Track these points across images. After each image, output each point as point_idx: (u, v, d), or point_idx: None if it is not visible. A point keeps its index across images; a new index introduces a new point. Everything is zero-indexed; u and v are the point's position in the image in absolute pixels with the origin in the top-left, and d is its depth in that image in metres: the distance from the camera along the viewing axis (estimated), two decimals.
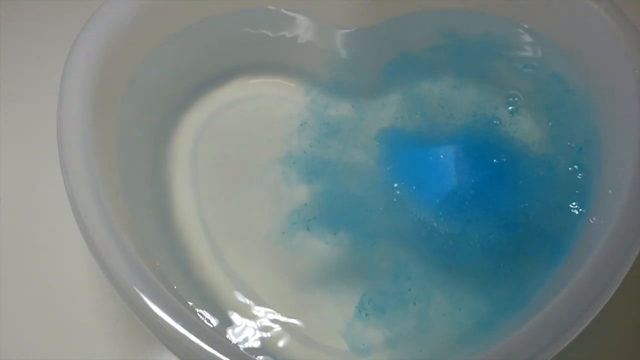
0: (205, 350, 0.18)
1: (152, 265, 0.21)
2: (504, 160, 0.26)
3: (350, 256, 0.25)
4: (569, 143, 0.26)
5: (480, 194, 0.25)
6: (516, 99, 0.28)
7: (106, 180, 0.22)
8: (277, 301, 0.24)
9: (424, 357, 0.23)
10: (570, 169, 0.25)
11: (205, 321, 0.22)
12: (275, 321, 0.24)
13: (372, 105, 0.29)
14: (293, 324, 0.24)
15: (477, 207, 0.25)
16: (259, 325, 0.24)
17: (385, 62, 0.29)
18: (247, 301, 0.24)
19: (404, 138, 0.28)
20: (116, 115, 0.25)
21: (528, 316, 0.19)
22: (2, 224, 0.28)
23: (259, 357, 0.23)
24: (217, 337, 0.19)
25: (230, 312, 0.24)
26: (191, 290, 0.24)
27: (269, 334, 0.24)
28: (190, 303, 0.22)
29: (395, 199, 0.26)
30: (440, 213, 0.25)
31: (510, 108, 0.28)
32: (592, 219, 0.23)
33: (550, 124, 0.27)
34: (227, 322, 0.24)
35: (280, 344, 0.23)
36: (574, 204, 0.24)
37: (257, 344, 0.23)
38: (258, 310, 0.24)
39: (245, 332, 0.23)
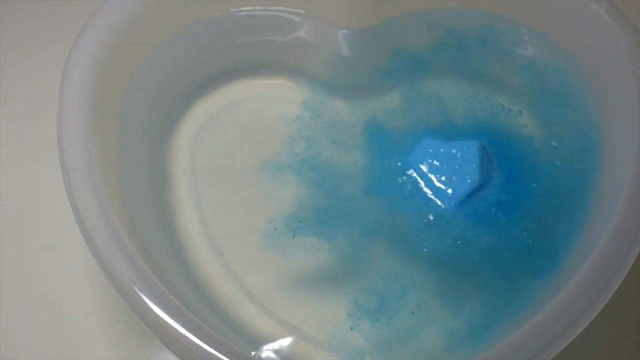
0: (205, 350, 0.18)
1: (152, 265, 0.21)
2: (503, 160, 0.26)
3: (349, 257, 0.25)
4: (568, 143, 0.26)
5: (479, 195, 0.25)
6: (516, 99, 0.28)
7: (106, 180, 0.22)
8: (277, 301, 0.24)
9: None
10: (570, 169, 0.25)
11: (205, 321, 0.22)
12: (274, 321, 0.24)
13: (372, 105, 0.29)
14: (292, 324, 0.24)
15: (475, 208, 0.25)
16: (258, 325, 0.24)
17: (385, 61, 0.29)
18: (247, 301, 0.24)
19: (404, 138, 0.28)
20: (116, 116, 0.25)
21: (528, 316, 0.19)
22: (2, 224, 0.28)
23: (258, 357, 0.23)
24: (217, 337, 0.19)
25: (230, 312, 0.24)
26: (191, 290, 0.24)
27: (268, 334, 0.24)
28: (190, 303, 0.22)
29: (394, 200, 0.26)
30: (439, 215, 0.25)
31: (509, 108, 0.28)
32: (592, 219, 0.23)
33: (549, 124, 0.27)
34: (227, 322, 0.24)
35: (280, 344, 0.23)
36: (573, 204, 0.24)
37: (256, 344, 0.23)
38: (258, 311, 0.24)
39: (245, 332, 0.23)
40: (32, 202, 0.29)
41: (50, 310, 0.26)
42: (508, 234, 0.24)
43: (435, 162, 0.26)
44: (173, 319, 0.19)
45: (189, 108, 0.29)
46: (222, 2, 0.28)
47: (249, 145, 0.28)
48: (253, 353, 0.23)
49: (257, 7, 0.28)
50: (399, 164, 0.27)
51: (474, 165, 0.25)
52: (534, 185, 0.25)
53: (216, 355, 0.18)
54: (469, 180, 0.25)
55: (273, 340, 0.23)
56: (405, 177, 0.26)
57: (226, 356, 0.18)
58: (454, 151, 0.26)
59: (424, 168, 0.26)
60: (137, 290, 0.19)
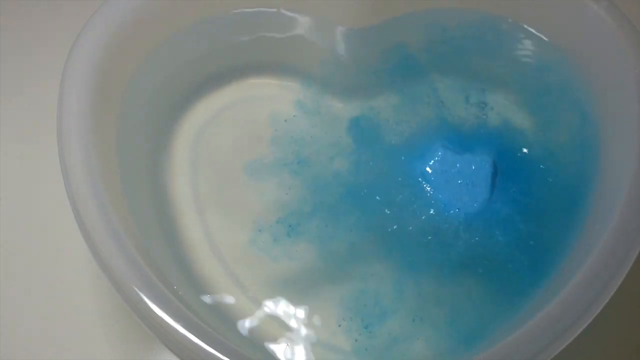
0: (205, 350, 0.18)
1: (152, 265, 0.21)
2: (503, 160, 0.26)
3: (348, 257, 0.25)
4: (568, 143, 0.26)
5: (478, 196, 0.25)
6: (515, 99, 0.28)
7: (106, 180, 0.22)
8: (277, 302, 0.24)
9: None
10: (569, 169, 0.25)
11: (205, 321, 0.22)
12: (274, 321, 0.24)
13: (372, 105, 0.29)
14: (291, 325, 0.24)
15: (474, 209, 0.25)
16: (258, 325, 0.24)
17: (384, 61, 0.29)
18: (247, 301, 0.24)
19: (404, 139, 0.28)
20: (116, 115, 0.25)
21: (528, 316, 0.19)
22: (2, 224, 0.28)
23: (258, 357, 0.23)
24: (217, 337, 0.19)
25: (230, 312, 0.24)
26: (191, 290, 0.24)
27: (268, 334, 0.24)
28: (190, 303, 0.22)
29: (391, 203, 0.26)
30: (437, 221, 0.25)
31: (509, 108, 0.28)
32: (592, 220, 0.23)
33: (549, 124, 0.27)
34: (226, 322, 0.24)
35: (280, 344, 0.23)
36: (573, 204, 0.24)
37: (256, 344, 0.23)
38: (258, 311, 0.24)
39: (244, 332, 0.23)
40: (32, 202, 0.29)
41: (50, 310, 0.26)
42: (507, 234, 0.24)
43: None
44: (173, 319, 0.19)
45: (189, 108, 0.29)
46: (221, 2, 0.28)
47: (249, 144, 0.28)
48: (253, 353, 0.23)
49: (256, 7, 0.28)
50: (400, 166, 0.26)
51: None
52: (533, 185, 0.25)
53: (216, 355, 0.18)
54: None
55: (273, 340, 0.23)
56: (406, 181, 0.26)
57: (226, 356, 0.18)
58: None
59: (431, 177, 0.26)
60: (137, 290, 0.19)
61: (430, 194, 0.25)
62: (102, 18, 0.24)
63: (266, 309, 0.24)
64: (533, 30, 0.27)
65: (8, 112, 0.32)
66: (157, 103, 0.28)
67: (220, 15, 0.28)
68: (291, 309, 0.24)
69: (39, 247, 0.28)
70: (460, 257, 0.24)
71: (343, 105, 0.29)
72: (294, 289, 0.25)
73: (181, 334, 0.19)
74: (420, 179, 0.26)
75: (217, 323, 0.23)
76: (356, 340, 0.23)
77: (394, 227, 0.25)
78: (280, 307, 0.24)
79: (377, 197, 0.26)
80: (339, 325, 0.24)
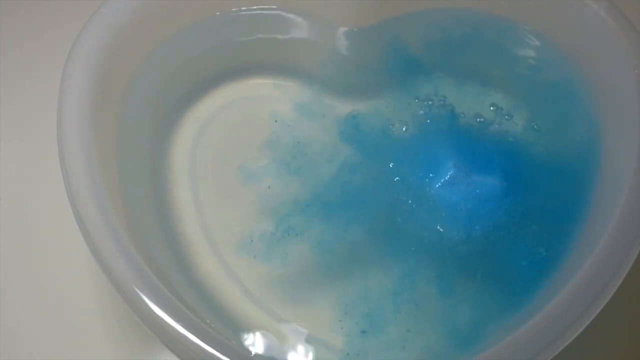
0: (205, 350, 0.18)
1: (152, 265, 0.21)
2: (503, 160, 0.26)
3: (346, 256, 0.25)
4: (568, 143, 0.26)
5: (478, 196, 0.25)
6: (515, 99, 0.28)
7: (106, 180, 0.22)
8: (276, 301, 0.24)
9: None
10: (569, 169, 0.25)
11: (205, 321, 0.22)
12: (274, 321, 0.24)
13: (372, 105, 0.29)
14: (291, 324, 0.24)
15: (474, 209, 0.25)
16: (258, 325, 0.24)
17: (384, 61, 0.29)
18: (247, 301, 0.24)
19: (404, 138, 0.28)
20: (116, 115, 0.25)
21: (528, 316, 0.19)
22: (2, 224, 0.28)
23: (258, 356, 0.23)
24: (217, 337, 0.19)
25: (230, 312, 0.24)
26: (191, 290, 0.24)
27: (268, 334, 0.24)
28: (190, 303, 0.22)
29: (393, 203, 0.26)
30: (440, 221, 0.25)
31: (509, 108, 0.28)
32: (592, 220, 0.23)
33: (549, 124, 0.27)
34: (227, 322, 0.24)
35: (279, 344, 0.23)
36: (573, 204, 0.24)
37: (256, 344, 0.23)
38: (258, 311, 0.24)
39: (244, 332, 0.23)
40: (32, 202, 0.29)
41: (50, 310, 0.26)
42: (507, 235, 0.24)
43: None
44: (173, 319, 0.19)
45: (188, 108, 0.29)
46: (221, 2, 0.28)
47: (249, 144, 0.28)
48: (253, 353, 0.23)
49: (256, 7, 0.28)
50: (401, 168, 0.26)
51: (468, 167, 0.25)
52: (534, 185, 0.25)
53: (216, 356, 0.18)
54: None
55: (273, 340, 0.23)
56: (407, 183, 0.26)
57: (226, 356, 0.18)
58: (441, 156, 0.25)
59: (435, 182, 0.25)
60: (137, 290, 0.19)
61: (433, 198, 0.25)
62: (102, 18, 0.24)
63: (266, 309, 0.24)
64: (533, 30, 0.27)
65: (8, 112, 0.32)
66: (157, 103, 0.28)
67: (220, 15, 0.28)
68: (290, 309, 0.24)
69: (39, 247, 0.28)
70: (460, 259, 0.24)
71: (343, 105, 0.29)
72: (293, 289, 0.25)
73: (181, 334, 0.19)
74: (421, 182, 0.26)
75: (217, 323, 0.23)
76: (353, 341, 0.23)
77: (394, 230, 0.25)
78: (279, 307, 0.24)
79: (378, 199, 0.26)
80: (337, 326, 0.24)
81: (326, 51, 0.29)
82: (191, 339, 0.18)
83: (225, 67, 0.30)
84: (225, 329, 0.23)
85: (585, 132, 0.25)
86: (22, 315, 0.26)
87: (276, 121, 0.29)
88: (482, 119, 0.28)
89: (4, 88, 0.32)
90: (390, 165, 0.27)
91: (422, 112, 0.28)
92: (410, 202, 0.26)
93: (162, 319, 0.19)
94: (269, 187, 0.27)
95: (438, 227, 0.25)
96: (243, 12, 0.28)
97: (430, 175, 0.26)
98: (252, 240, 0.26)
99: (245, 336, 0.23)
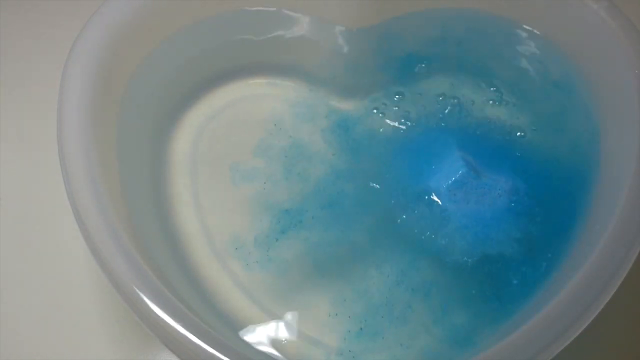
0: (205, 350, 0.18)
1: (152, 265, 0.21)
2: (503, 160, 0.26)
3: (345, 256, 0.25)
4: (568, 143, 0.26)
5: (478, 197, 0.25)
6: (515, 99, 0.28)
7: (106, 180, 0.22)
8: (275, 301, 0.24)
9: None
10: (569, 169, 0.25)
11: (205, 321, 0.22)
12: (273, 321, 0.24)
13: (373, 106, 0.29)
14: (288, 323, 0.24)
15: (474, 211, 0.25)
16: (258, 325, 0.24)
17: (385, 61, 0.29)
18: (246, 300, 0.24)
19: (404, 138, 0.28)
20: (116, 115, 0.25)
21: (527, 317, 0.19)
22: (2, 224, 0.28)
23: (258, 356, 0.23)
24: (217, 337, 0.19)
25: (229, 312, 0.24)
26: (191, 290, 0.24)
27: (268, 334, 0.24)
28: (190, 303, 0.22)
29: (393, 202, 0.26)
30: (439, 217, 0.25)
31: (509, 108, 0.28)
32: (592, 220, 0.23)
33: (549, 124, 0.27)
34: (227, 322, 0.24)
35: (279, 343, 0.23)
36: (574, 203, 0.24)
37: (256, 344, 0.23)
38: (256, 310, 0.24)
39: (244, 331, 0.23)
40: (32, 202, 0.29)
41: (50, 310, 0.26)
42: (507, 235, 0.24)
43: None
44: (173, 319, 0.19)
45: (188, 108, 0.29)
46: (222, 3, 0.28)
47: (249, 144, 0.28)
48: (251, 352, 0.23)
49: (256, 7, 0.28)
50: (402, 168, 0.26)
51: (468, 167, 0.25)
52: (534, 185, 0.25)
53: (216, 355, 0.18)
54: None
55: (272, 339, 0.23)
56: (407, 183, 0.26)
57: (226, 356, 0.18)
58: (441, 156, 0.25)
59: (438, 185, 0.25)
60: (137, 290, 0.19)
61: (435, 200, 0.25)
62: (102, 18, 0.24)
63: (265, 308, 0.24)
64: (533, 30, 0.27)
65: (8, 112, 0.32)
66: (157, 103, 0.28)
67: (220, 15, 0.28)
68: (288, 308, 0.24)
69: (39, 247, 0.28)
70: (460, 259, 0.24)
71: (343, 105, 0.29)
72: (291, 288, 0.25)
73: (181, 334, 0.19)
74: (422, 183, 0.26)
75: (217, 323, 0.23)
76: (351, 341, 0.23)
77: (392, 231, 0.25)
78: (278, 307, 0.24)
79: (378, 200, 0.26)
80: (335, 325, 0.24)
81: (326, 51, 0.29)
82: (191, 339, 0.18)
83: (225, 67, 0.30)
84: (225, 329, 0.23)
85: (585, 132, 0.25)
86: (22, 315, 0.26)
87: (276, 121, 0.29)
88: (481, 119, 0.28)
89: (4, 88, 0.32)
90: (390, 165, 0.27)
91: (422, 112, 0.28)
92: (411, 203, 0.26)
93: (162, 319, 0.19)
94: (269, 187, 0.27)
95: (437, 229, 0.25)
96: (243, 12, 0.28)
97: (431, 175, 0.26)
98: (251, 240, 0.26)
99: (244, 335, 0.23)
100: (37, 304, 0.26)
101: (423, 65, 0.29)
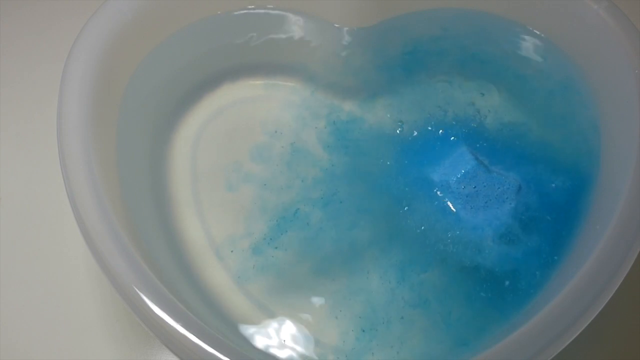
0: (205, 350, 0.18)
1: (152, 265, 0.21)
2: (504, 160, 0.26)
3: (345, 256, 0.25)
4: (568, 143, 0.26)
5: (478, 198, 0.25)
6: (515, 98, 0.28)
7: (106, 180, 0.22)
8: (276, 301, 0.24)
9: None
10: (570, 169, 0.25)
11: (205, 321, 0.22)
12: (273, 321, 0.24)
13: (372, 105, 0.29)
14: (290, 323, 0.24)
15: (476, 212, 0.25)
16: (257, 325, 0.24)
17: (385, 61, 0.29)
18: (247, 301, 0.24)
19: (404, 138, 0.28)
20: (116, 115, 0.25)
21: (527, 317, 0.19)
22: (2, 224, 0.28)
23: (258, 356, 0.23)
24: (216, 337, 0.19)
25: (229, 312, 0.24)
26: (191, 290, 0.24)
27: (267, 334, 0.24)
28: (190, 303, 0.22)
29: (393, 203, 0.26)
30: (439, 216, 0.25)
31: (509, 108, 0.28)
32: (592, 220, 0.23)
33: (549, 124, 0.27)
34: (226, 322, 0.24)
35: (278, 343, 0.23)
36: (574, 204, 0.24)
37: (256, 344, 0.23)
38: (257, 310, 0.24)
39: (244, 331, 0.23)
40: (32, 202, 0.29)
41: (50, 310, 0.26)
42: (507, 235, 0.24)
43: (454, 191, 0.25)
44: (173, 319, 0.19)
45: (188, 108, 0.29)
46: (221, 2, 0.28)
47: (249, 144, 0.28)
48: (251, 351, 0.23)
49: (257, 7, 0.28)
50: (402, 168, 0.26)
51: (469, 168, 0.25)
52: (534, 185, 0.25)
53: (216, 355, 0.18)
54: (463, 182, 0.25)
55: (271, 339, 0.23)
56: (408, 183, 0.26)
57: (226, 356, 0.18)
58: (442, 156, 0.25)
59: (440, 193, 0.25)
60: (137, 290, 0.19)
61: (437, 200, 0.25)
62: (102, 18, 0.24)
63: (265, 309, 0.24)
64: (533, 30, 0.27)
65: (8, 112, 0.32)
66: (156, 103, 0.28)
67: (220, 15, 0.28)
68: (289, 308, 0.24)
69: (39, 247, 0.28)
70: (461, 259, 0.24)
71: (344, 105, 0.29)
72: (292, 288, 0.25)
73: (181, 334, 0.19)
74: (422, 183, 0.26)
75: (217, 323, 0.23)
76: (353, 341, 0.23)
77: (395, 232, 0.25)
78: (278, 307, 0.24)
79: (378, 200, 0.26)
80: (336, 325, 0.24)
81: (326, 51, 0.29)
82: (191, 339, 0.18)
83: (224, 67, 0.30)
84: (225, 329, 0.23)
85: (585, 132, 0.25)
86: (22, 315, 0.26)
87: (276, 122, 0.29)
88: (481, 119, 0.28)
89: (4, 88, 0.32)
90: (390, 165, 0.27)
91: (422, 112, 0.28)
92: (412, 204, 0.26)
93: (162, 319, 0.19)
94: (269, 187, 0.27)
95: (439, 229, 0.25)
96: (243, 13, 0.28)
97: (432, 176, 0.26)
98: (251, 240, 0.26)
99: (244, 335, 0.23)
100: (37, 303, 0.26)
101: (423, 66, 0.29)
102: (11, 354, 0.25)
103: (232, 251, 0.26)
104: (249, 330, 0.24)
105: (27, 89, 0.32)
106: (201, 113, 0.29)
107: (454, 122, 0.28)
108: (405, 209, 0.26)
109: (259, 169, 0.28)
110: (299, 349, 0.23)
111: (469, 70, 0.29)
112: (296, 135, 0.28)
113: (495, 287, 0.24)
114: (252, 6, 0.28)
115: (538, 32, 0.27)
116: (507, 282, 0.24)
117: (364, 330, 0.23)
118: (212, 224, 0.26)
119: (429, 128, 0.28)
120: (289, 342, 0.23)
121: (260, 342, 0.23)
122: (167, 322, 0.19)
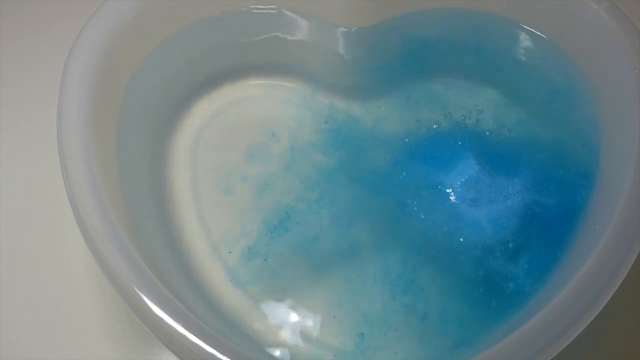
0: (205, 350, 0.18)
1: (152, 265, 0.21)
2: (504, 160, 0.26)
3: (344, 258, 0.25)
4: (568, 143, 0.26)
5: (479, 198, 0.25)
6: (515, 99, 0.28)
7: (106, 180, 0.22)
8: (275, 301, 0.24)
9: None
10: (570, 169, 0.25)
11: (205, 321, 0.22)
12: (273, 321, 0.24)
13: (372, 106, 0.29)
14: (290, 323, 0.24)
15: (477, 212, 0.25)
16: (257, 324, 0.24)
17: (385, 61, 0.29)
18: (246, 301, 0.24)
19: (404, 138, 0.28)
20: (116, 115, 0.25)
21: (527, 317, 0.19)
22: (2, 224, 0.28)
23: (258, 356, 0.23)
24: (217, 337, 0.19)
25: (229, 312, 0.24)
26: (191, 289, 0.24)
27: (267, 334, 0.24)
28: (190, 303, 0.22)
29: (394, 204, 0.26)
30: (439, 216, 0.25)
31: (508, 108, 0.28)
32: (592, 220, 0.23)
33: (549, 124, 0.27)
34: (226, 322, 0.24)
35: (278, 343, 0.23)
36: (574, 203, 0.24)
37: (255, 344, 0.23)
38: (257, 310, 0.24)
39: (244, 331, 0.23)
40: (32, 202, 0.29)
41: (50, 310, 0.26)
42: (507, 234, 0.24)
43: (454, 191, 0.25)
44: (173, 319, 0.19)
45: (188, 107, 0.29)
46: (222, 3, 0.28)
47: (249, 144, 0.28)
48: (251, 352, 0.23)
49: (257, 7, 0.28)
50: (403, 168, 0.26)
51: (469, 167, 0.25)
52: (534, 185, 0.25)
53: (216, 355, 0.18)
54: (464, 182, 0.25)
55: (271, 339, 0.23)
56: (408, 183, 0.26)
57: (226, 356, 0.18)
58: (443, 156, 0.25)
59: (441, 192, 0.25)
60: (137, 290, 0.19)
61: (437, 200, 0.25)
62: (102, 18, 0.24)
63: (265, 309, 0.24)
64: (533, 30, 0.27)
65: (8, 111, 0.32)
66: (157, 103, 0.28)
67: (220, 15, 0.28)
68: (289, 308, 0.24)
69: (39, 247, 0.28)
70: (461, 259, 0.24)
71: (344, 105, 0.29)
72: (292, 289, 0.25)
73: (181, 334, 0.19)
74: (422, 183, 0.26)
75: (216, 322, 0.23)
76: (352, 343, 0.23)
77: (396, 232, 0.25)
78: (277, 307, 0.24)
79: (378, 201, 0.26)
80: (336, 327, 0.24)
81: (326, 51, 0.29)
82: (191, 339, 0.18)
83: (224, 67, 0.30)
84: (224, 329, 0.23)
85: (585, 132, 0.25)
86: (22, 315, 0.26)
87: (275, 123, 0.29)
88: (481, 119, 0.28)
89: (4, 88, 0.33)
90: (390, 166, 0.27)
91: (422, 112, 0.28)
92: (413, 205, 0.26)
93: (162, 319, 0.19)
94: (270, 186, 0.27)
95: (441, 232, 0.25)
96: (243, 13, 0.28)
97: (431, 176, 0.26)
98: (251, 240, 0.26)
99: (243, 335, 0.23)
100: (37, 303, 0.26)
101: (423, 66, 0.29)
102: (11, 354, 0.25)
103: (232, 251, 0.26)
104: (248, 330, 0.24)
105: (27, 89, 0.32)
106: (201, 113, 0.29)
107: (453, 122, 0.28)
108: (405, 209, 0.26)
109: (259, 169, 0.28)
110: (299, 349, 0.23)
111: (469, 70, 0.29)
112: (296, 135, 0.28)
113: (496, 287, 0.24)
114: (252, 6, 0.28)
115: (538, 32, 0.27)
116: (507, 282, 0.24)
117: (362, 331, 0.23)
118: (212, 224, 0.26)
119: (429, 128, 0.28)
120: (288, 342, 0.23)
121: (259, 342, 0.23)
122: (167, 322, 0.19)
